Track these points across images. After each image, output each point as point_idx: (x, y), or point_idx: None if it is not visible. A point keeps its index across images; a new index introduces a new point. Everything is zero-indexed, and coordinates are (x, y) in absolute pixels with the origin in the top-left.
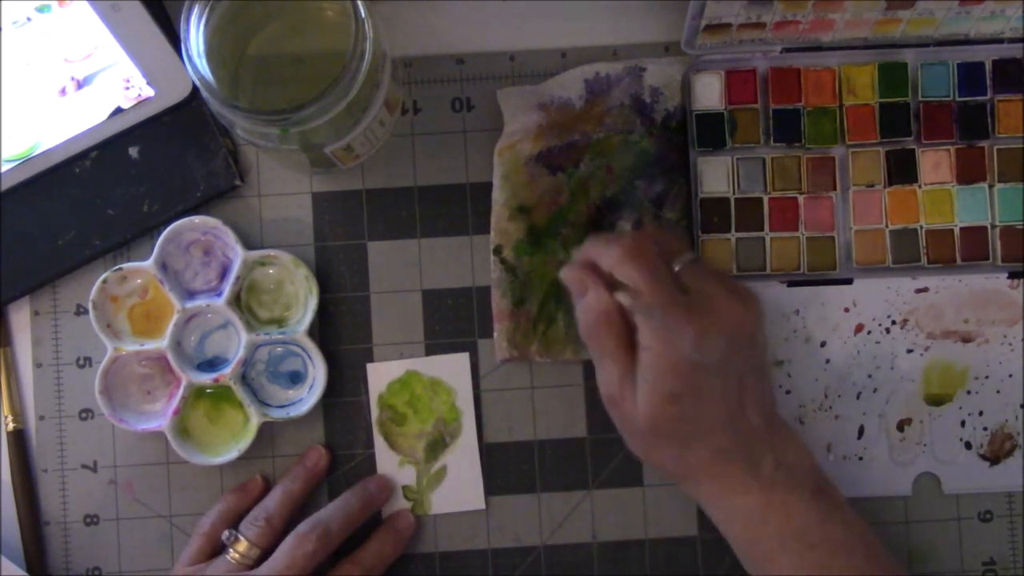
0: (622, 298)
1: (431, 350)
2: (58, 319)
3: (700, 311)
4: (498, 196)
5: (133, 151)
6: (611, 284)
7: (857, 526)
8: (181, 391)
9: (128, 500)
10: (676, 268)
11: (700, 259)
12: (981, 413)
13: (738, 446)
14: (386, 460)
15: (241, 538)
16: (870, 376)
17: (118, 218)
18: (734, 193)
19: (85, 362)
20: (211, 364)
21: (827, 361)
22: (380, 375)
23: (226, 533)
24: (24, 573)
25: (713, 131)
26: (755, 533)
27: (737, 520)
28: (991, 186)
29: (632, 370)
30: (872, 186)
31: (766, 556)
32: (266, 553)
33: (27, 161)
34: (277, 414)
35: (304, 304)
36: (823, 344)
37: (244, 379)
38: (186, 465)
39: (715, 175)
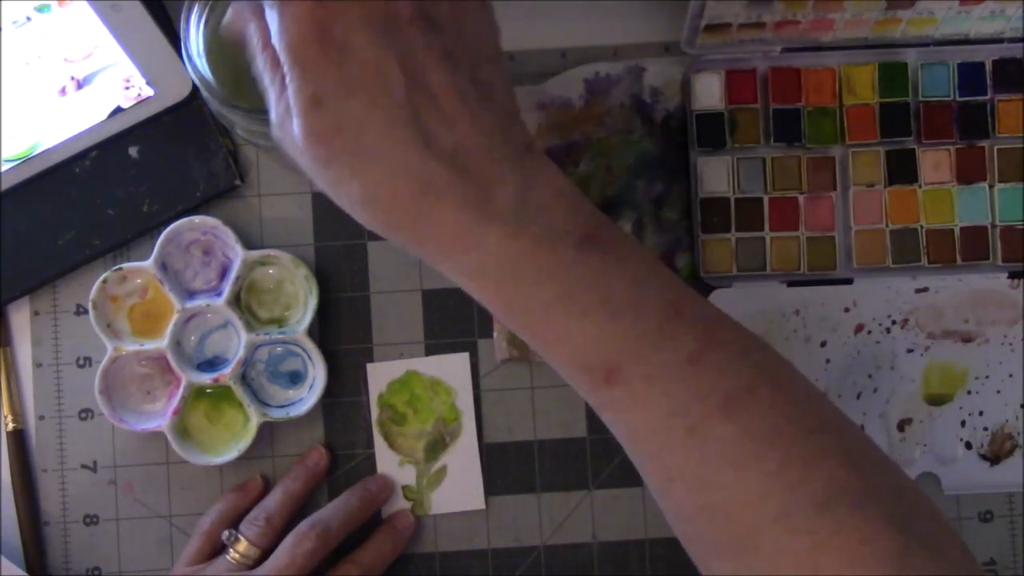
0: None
1: (431, 350)
2: (58, 319)
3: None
4: None
5: (133, 151)
6: None
7: (653, 284)
8: (181, 391)
9: (128, 500)
10: None
11: None
12: (981, 413)
13: (439, 171)
14: (386, 460)
15: (241, 538)
16: (870, 376)
17: (118, 218)
18: (734, 193)
19: (85, 362)
20: (211, 364)
21: (827, 361)
22: (380, 375)
23: (226, 533)
24: (24, 573)
25: (713, 131)
26: (509, 298)
27: (483, 287)
28: (991, 186)
29: (284, 85)
30: (872, 186)
31: (531, 332)
32: (266, 553)
33: (27, 161)
34: (277, 414)
35: (304, 304)
36: (823, 344)
37: (244, 379)
38: (186, 465)
39: (715, 175)
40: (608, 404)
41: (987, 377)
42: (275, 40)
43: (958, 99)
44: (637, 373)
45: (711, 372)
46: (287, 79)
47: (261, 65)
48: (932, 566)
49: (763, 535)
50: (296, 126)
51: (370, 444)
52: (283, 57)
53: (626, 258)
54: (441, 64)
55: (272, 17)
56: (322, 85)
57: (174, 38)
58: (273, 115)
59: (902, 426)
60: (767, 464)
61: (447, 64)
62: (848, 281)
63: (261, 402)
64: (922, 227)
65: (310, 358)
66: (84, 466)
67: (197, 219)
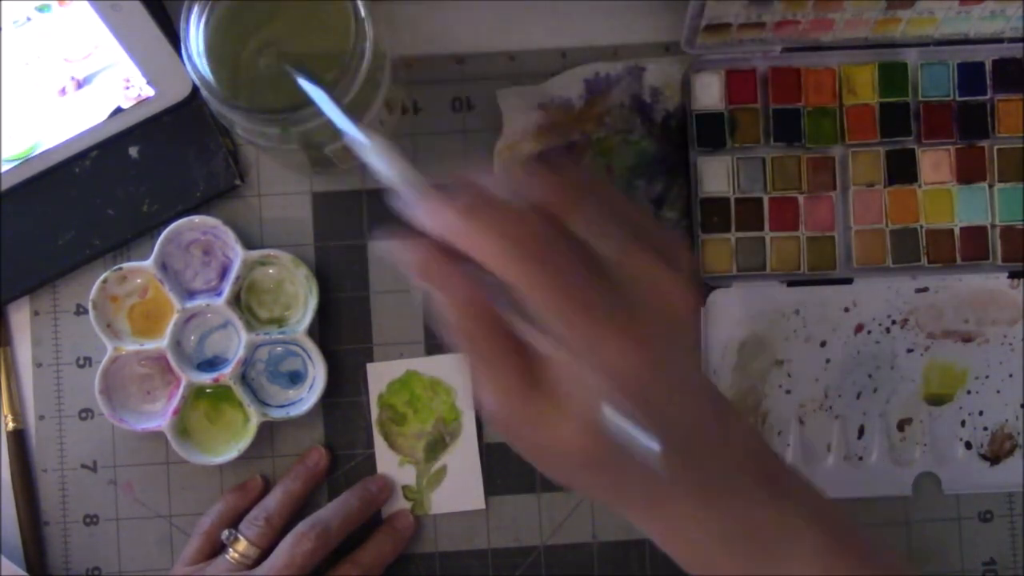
0: (499, 308)
1: (431, 350)
2: (58, 319)
3: (626, 309)
4: None
5: (133, 151)
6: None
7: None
8: (181, 391)
9: (128, 500)
10: (590, 237)
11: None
12: (981, 413)
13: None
14: (386, 460)
15: (241, 538)
16: (870, 376)
17: (118, 218)
18: (734, 193)
19: (85, 362)
20: (211, 364)
21: (827, 361)
22: (380, 375)
23: (226, 533)
24: (24, 573)
25: (713, 131)
26: (692, 537)
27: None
28: (991, 186)
29: (531, 380)
30: (872, 186)
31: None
32: (266, 553)
33: (27, 161)
34: (277, 414)
35: (304, 304)
36: (823, 344)
37: (244, 379)
38: (186, 465)
39: (715, 175)
40: None
41: (987, 377)
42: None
43: (958, 99)
44: None
45: None
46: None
47: (482, 353)
48: None
49: None
50: (568, 436)
51: (370, 444)
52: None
53: (797, 495)
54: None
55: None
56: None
57: (174, 38)
58: (488, 404)
59: (902, 426)
60: None
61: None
62: (848, 281)
63: (261, 402)
64: (922, 227)
65: (310, 358)
66: (84, 466)
67: (197, 219)
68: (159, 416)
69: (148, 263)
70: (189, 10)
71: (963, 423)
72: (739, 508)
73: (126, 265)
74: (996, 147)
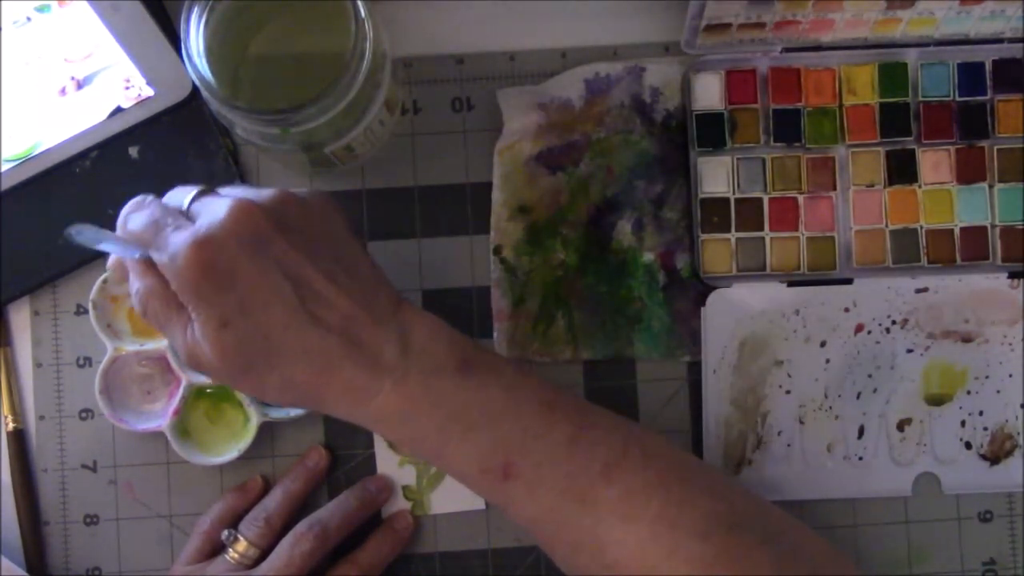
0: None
1: None
2: (58, 319)
3: (203, 226)
4: (498, 196)
5: (133, 151)
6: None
7: (526, 388)
8: (181, 391)
9: (128, 500)
10: (185, 206)
11: (208, 190)
12: (981, 413)
13: (336, 346)
14: (386, 460)
15: (240, 538)
16: (870, 376)
17: (118, 218)
18: (734, 193)
19: (85, 362)
20: None
21: (827, 361)
22: None
23: (225, 533)
24: (24, 573)
25: (713, 131)
26: (409, 434)
27: (385, 429)
28: (991, 186)
29: (188, 319)
30: (872, 186)
31: (434, 455)
32: (265, 553)
33: (27, 161)
34: (277, 414)
35: None
36: (823, 344)
37: None
38: (186, 465)
39: (715, 175)
40: (510, 499)
41: (987, 377)
42: (174, 286)
43: (958, 99)
44: (527, 463)
45: (588, 448)
46: (193, 314)
47: (158, 312)
48: (803, 569)
49: (661, 572)
50: (210, 350)
51: (370, 444)
52: (185, 298)
53: (500, 371)
54: (307, 259)
55: (167, 268)
56: (224, 309)
57: (174, 38)
58: (182, 350)
59: (902, 426)
60: (649, 511)
61: (311, 257)
62: (848, 281)
63: (261, 402)
64: (922, 227)
65: None
66: (84, 466)
67: None
68: (159, 416)
69: None
70: (189, 10)
71: (963, 423)
72: (440, 389)
73: None
74: (996, 147)
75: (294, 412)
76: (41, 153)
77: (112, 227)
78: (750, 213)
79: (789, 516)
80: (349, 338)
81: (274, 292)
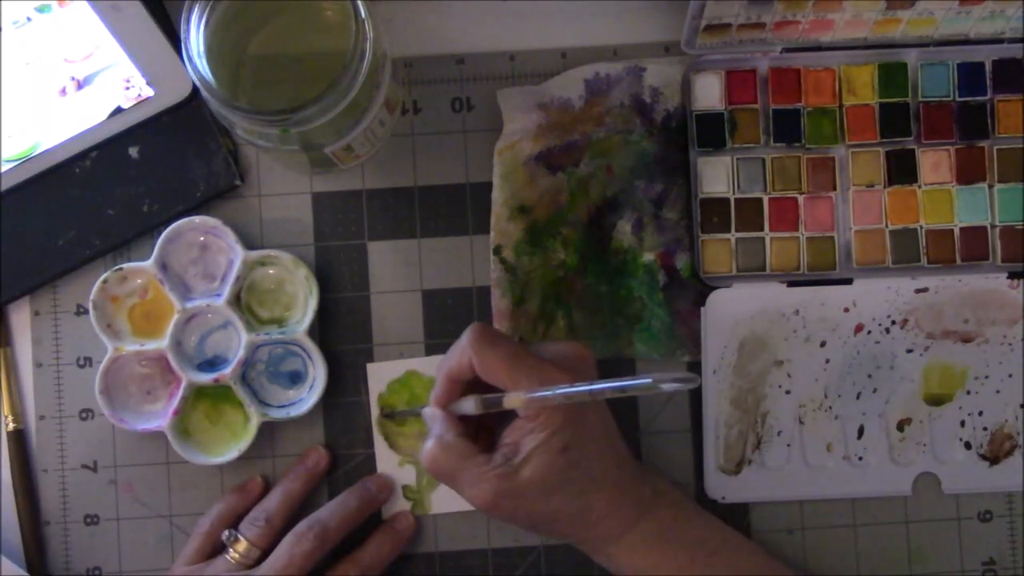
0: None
1: (431, 350)
2: (58, 319)
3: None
4: (498, 196)
5: (133, 151)
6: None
7: (743, 537)
8: (181, 391)
9: (128, 500)
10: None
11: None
12: (981, 413)
13: (625, 480)
14: (386, 460)
15: (240, 538)
16: (870, 376)
17: (118, 218)
18: (734, 193)
19: (85, 362)
20: (211, 364)
21: (827, 361)
22: (380, 375)
23: (226, 533)
24: (24, 573)
25: (713, 131)
26: (658, 558)
27: (637, 552)
28: (991, 186)
29: (488, 462)
30: (872, 186)
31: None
32: (266, 553)
33: (27, 161)
34: (277, 414)
35: (304, 304)
36: (823, 344)
37: (244, 379)
38: (186, 465)
39: (715, 175)
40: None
41: (987, 377)
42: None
43: (958, 99)
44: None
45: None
46: (546, 433)
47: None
48: None
49: None
50: (539, 466)
51: (370, 444)
52: (542, 419)
53: (715, 518)
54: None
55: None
56: (568, 436)
57: (174, 38)
58: (499, 471)
59: (902, 426)
60: None
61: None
62: (848, 281)
63: (261, 402)
64: (922, 227)
65: (310, 358)
66: (84, 466)
67: (197, 219)
68: (159, 416)
69: (148, 263)
70: (189, 10)
71: (963, 423)
72: (688, 522)
73: (126, 265)
74: (996, 147)
75: (294, 412)
76: (41, 153)
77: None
78: (750, 213)
79: None
80: (630, 475)
81: (608, 428)
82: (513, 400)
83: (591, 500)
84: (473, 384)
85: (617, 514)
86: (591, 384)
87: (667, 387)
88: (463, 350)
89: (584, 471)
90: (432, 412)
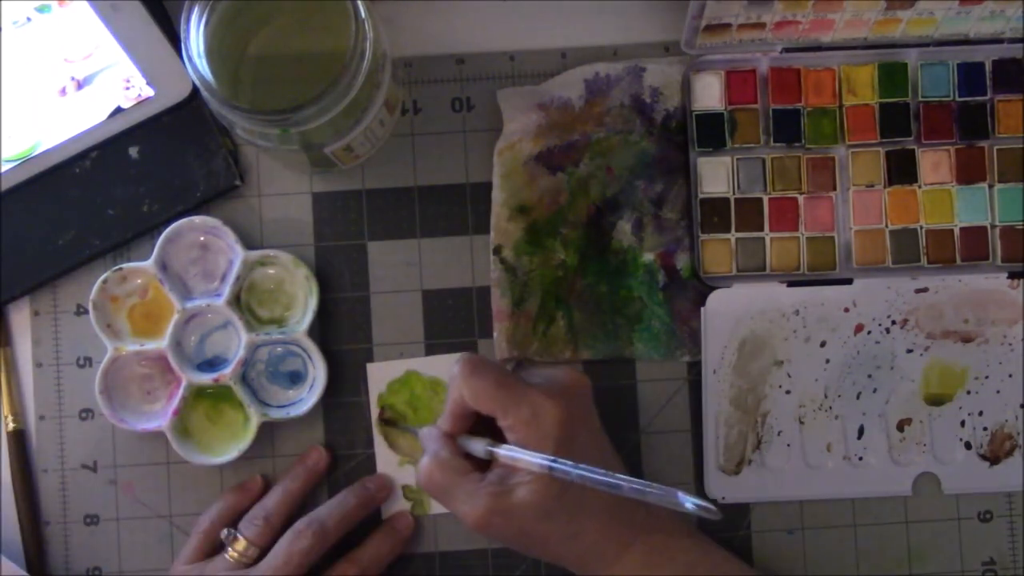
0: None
1: (431, 350)
2: (58, 319)
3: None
4: (498, 196)
5: (133, 151)
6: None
7: (735, 562)
8: (181, 391)
9: (128, 500)
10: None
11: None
12: (981, 413)
13: (618, 504)
14: (386, 460)
15: (240, 537)
16: (870, 376)
17: (118, 218)
18: (734, 193)
19: (85, 362)
20: (211, 364)
21: (827, 361)
22: (380, 375)
23: (225, 532)
24: (24, 573)
25: (713, 131)
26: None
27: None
28: (991, 186)
29: (483, 480)
30: (872, 186)
31: None
32: (264, 552)
33: (27, 161)
34: (277, 414)
35: (304, 304)
36: (823, 344)
37: (244, 379)
38: (186, 465)
39: (715, 175)
40: None
41: (987, 377)
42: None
43: (958, 99)
44: None
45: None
46: (555, 459)
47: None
48: None
49: None
50: (534, 491)
51: (370, 444)
52: (535, 444)
53: (710, 543)
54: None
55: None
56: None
57: (174, 38)
58: (493, 489)
59: (902, 426)
60: None
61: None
62: (848, 281)
63: (261, 402)
64: (922, 227)
65: (310, 358)
66: (84, 466)
67: (197, 219)
68: (159, 416)
69: (148, 263)
70: (189, 10)
71: (963, 423)
72: (678, 548)
73: (126, 265)
74: (996, 147)
75: (294, 412)
76: (41, 153)
77: (112, 227)
78: (750, 213)
79: None
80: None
81: (601, 447)
82: (525, 463)
83: (584, 524)
84: (479, 414)
85: (609, 538)
86: (612, 477)
87: (688, 505)
88: (456, 383)
89: (577, 495)
90: (428, 431)
